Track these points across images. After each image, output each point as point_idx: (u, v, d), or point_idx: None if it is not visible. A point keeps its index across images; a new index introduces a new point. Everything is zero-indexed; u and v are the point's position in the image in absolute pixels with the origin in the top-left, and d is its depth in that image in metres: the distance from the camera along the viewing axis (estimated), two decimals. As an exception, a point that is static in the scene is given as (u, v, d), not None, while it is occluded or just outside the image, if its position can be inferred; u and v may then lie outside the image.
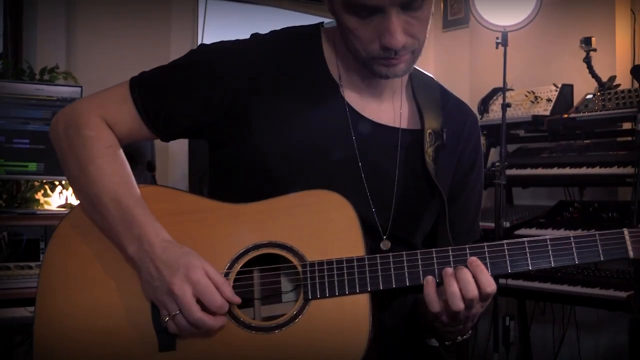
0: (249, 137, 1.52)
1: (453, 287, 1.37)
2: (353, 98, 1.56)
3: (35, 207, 3.84)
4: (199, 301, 1.38)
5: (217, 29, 4.73)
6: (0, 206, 3.66)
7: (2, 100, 3.38)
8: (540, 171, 3.82)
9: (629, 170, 3.38)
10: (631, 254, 1.38)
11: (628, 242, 1.39)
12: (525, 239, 1.40)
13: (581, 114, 3.75)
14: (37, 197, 3.88)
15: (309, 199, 1.46)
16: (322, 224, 1.44)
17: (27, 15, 4.11)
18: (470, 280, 1.37)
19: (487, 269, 1.39)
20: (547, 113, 3.90)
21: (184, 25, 4.52)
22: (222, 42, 1.59)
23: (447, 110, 1.64)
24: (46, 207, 3.91)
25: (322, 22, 1.65)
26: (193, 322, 1.37)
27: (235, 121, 1.53)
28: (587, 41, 3.77)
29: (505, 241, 1.41)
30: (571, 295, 3.55)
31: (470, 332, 1.52)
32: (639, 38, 3.95)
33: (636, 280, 3.19)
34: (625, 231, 1.39)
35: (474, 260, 1.39)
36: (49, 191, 3.88)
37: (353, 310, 1.40)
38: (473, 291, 1.36)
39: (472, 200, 1.68)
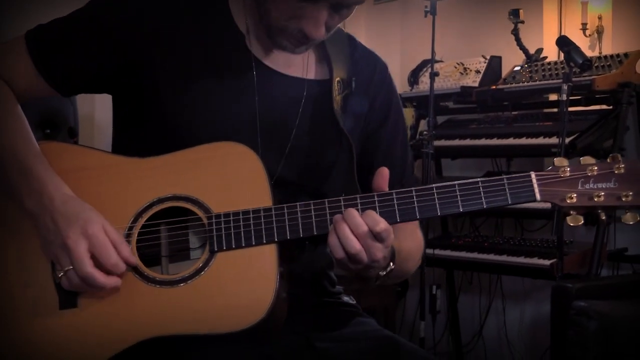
0: (150, 91, 1.49)
1: (345, 231, 1.35)
2: (260, 49, 1.54)
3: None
4: (94, 258, 1.34)
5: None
6: None
7: None
8: (468, 142, 3.85)
9: (554, 140, 3.42)
10: (538, 196, 1.36)
11: (535, 185, 1.37)
12: (434, 185, 1.38)
13: (509, 86, 3.79)
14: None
15: (214, 151, 1.43)
16: (227, 176, 1.41)
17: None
18: (355, 215, 1.35)
19: (396, 217, 1.37)
20: (476, 84, 3.92)
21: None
22: None
23: (355, 59, 1.63)
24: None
25: None
26: (82, 276, 1.33)
27: (135, 75, 1.49)
28: (515, 13, 3.80)
29: (414, 188, 1.39)
30: (497, 264, 3.60)
31: (388, 269, 1.46)
32: (565, 11, 4.00)
33: (559, 248, 3.24)
34: (532, 174, 1.37)
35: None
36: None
37: (260, 261, 1.38)
38: (362, 227, 1.34)
39: (396, 147, 1.67)
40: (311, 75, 1.59)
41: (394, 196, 1.38)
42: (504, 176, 1.38)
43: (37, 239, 1.40)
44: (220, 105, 1.49)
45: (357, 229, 1.34)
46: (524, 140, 3.62)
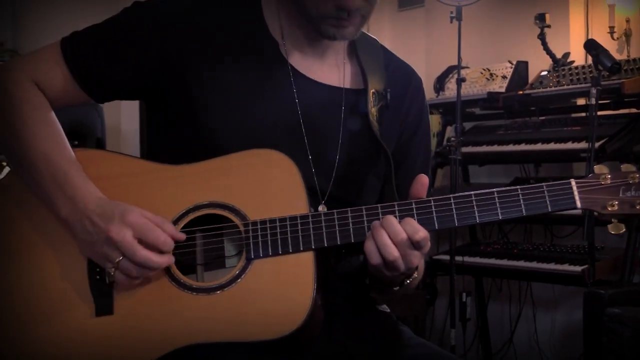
0: (187, 100, 1.48)
1: (383, 237, 1.34)
2: (296, 58, 1.54)
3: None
4: (142, 242, 1.34)
5: None
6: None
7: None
8: (496, 148, 3.82)
9: (583, 145, 3.39)
10: (578, 204, 1.36)
11: (575, 193, 1.37)
12: (472, 192, 1.38)
13: (536, 91, 3.76)
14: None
15: (251, 158, 1.42)
16: (264, 183, 1.41)
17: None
18: (394, 223, 1.34)
19: (434, 223, 1.37)
20: (503, 90, 3.90)
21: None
22: (154, 0, 1.54)
23: (390, 71, 1.62)
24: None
25: None
26: (139, 262, 1.33)
27: (171, 83, 1.49)
28: (541, 17, 3.77)
29: (452, 195, 1.38)
30: (527, 271, 3.56)
31: (415, 276, 1.47)
32: (592, 14, 3.97)
33: (590, 254, 3.20)
34: (573, 182, 1.37)
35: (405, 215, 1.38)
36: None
37: (297, 270, 1.37)
38: (400, 233, 1.34)
39: (417, 163, 1.66)
40: (347, 84, 1.58)
41: (432, 204, 1.38)
42: (544, 184, 1.37)
43: (71, 246, 1.41)
44: (258, 114, 1.49)
45: (396, 237, 1.34)
46: (552, 146, 3.59)
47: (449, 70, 4.14)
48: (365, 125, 1.54)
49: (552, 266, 3.45)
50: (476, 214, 1.37)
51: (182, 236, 1.38)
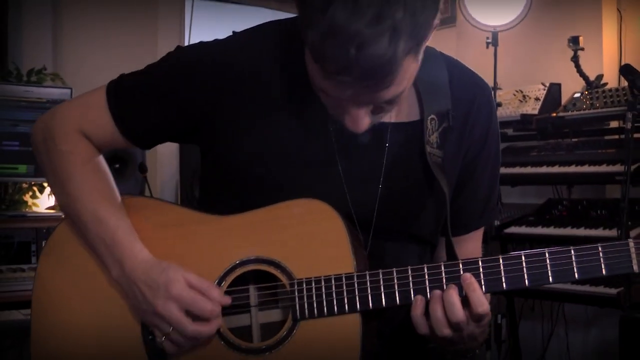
0: (226, 145, 1.46)
1: (437, 312, 1.31)
2: None
3: (24, 209, 3.82)
4: (190, 314, 1.35)
5: (204, 28, 4.72)
6: (-11, 209, 3.64)
7: (-9, 103, 3.36)
8: (529, 170, 3.84)
9: (617, 168, 3.41)
10: (636, 268, 1.29)
11: (633, 255, 1.29)
12: (522, 252, 1.33)
13: (569, 113, 3.78)
14: (25, 198, 3.86)
15: (296, 209, 1.40)
16: (309, 237, 1.39)
17: (12, 14, 4.07)
18: (455, 302, 1.30)
19: (482, 287, 1.33)
20: (536, 112, 3.92)
21: (171, 23, 4.52)
22: (200, 45, 1.50)
23: (454, 87, 1.50)
24: (34, 209, 3.89)
25: None
26: (189, 337, 1.35)
27: (211, 130, 1.47)
28: (574, 40, 3.80)
29: (501, 256, 1.33)
30: (561, 293, 3.57)
31: (476, 350, 1.45)
32: (625, 37, 3.99)
33: (626, 277, 3.21)
34: (631, 242, 1.30)
35: (467, 277, 1.32)
36: (37, 193, 3.85)
37: (343, 331, 1.36)
38: (458, 315, 1.30)
39: (483, 182, 1.57)
40: (398, 117, 1.48)
41: (501, 262, 1.33)
42: (599, 245, 1.30)
43: (126, 300, 1.42)
44: (300, 156, 1.45)
45: (452, 317, 1.30)
46: (586, 168, 3.60)
47: (482, 92, 4.16)
48: (417, 158, 1.47)
49: (586, 288, 3.43)
50: (526, 277, 1.32)
51: (228, 300, 1.38)
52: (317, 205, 1.40)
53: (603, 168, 3.54)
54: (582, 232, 3.46)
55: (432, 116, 1.47)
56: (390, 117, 1.46)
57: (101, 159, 1.51)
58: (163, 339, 1.37)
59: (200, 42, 1.51)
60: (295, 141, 1.45)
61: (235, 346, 1.39)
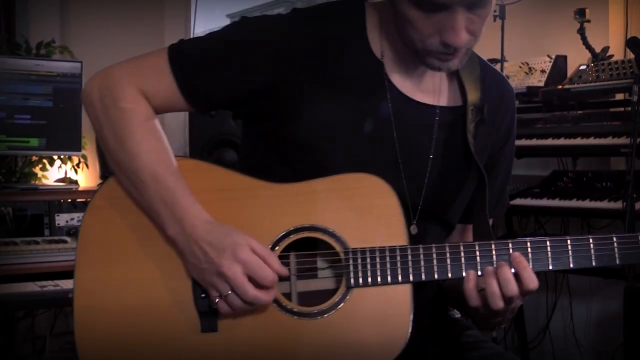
0: (288, 114, 1.51)
1: (493, 287, 1.38)
2: (395, 75, 1.55)
3: (34, 182, 3.85)
4: (251, 279, 1.38)
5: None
6: (0, 181, 3.67)
7: (2, 77, 3.37)
8: (534, 142, 3.86)
9: (623, 140, 3.42)
10: None
11: None
12: (567, 237, 1.43)
13: (575, 85, 3.79)
14: (35, 171, 3.89)
15: (352, 182, 1.44)
16: (364, 210, 1.43)
17: (19, -12, 4.08)
18: (510, 279, 1.38)
19: (529, 265, 1.40)
20: (542, 84, 3.93)
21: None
22: (264, 18, 1.57)
23: (487, 84, 1.62)
24: (44, 181, 3.92)
25: None
26: (249, 301, 1.37)
27: (273, 100, 1.51)
28: (581, 12, 3.79)
29: (547, 238, 1.42)
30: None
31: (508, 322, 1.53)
32: (631, 9, 3.99)
33: (630, 248, 3.24)
34: None
35: (517, 256, 1.40)
36: (47, 165, 3.89)
37: (395, 300, 1.41)
38: (513, 290, 1.38)
39: (501, 174, 1.69)
40: (443, 101, 1.59)
41: (548, 245, 1.43)
42: (614, 235, 1.42)
43: (177, 260, 1.44)
44: (357, 132, 1.51)
45: (507, 292, 1.38)
46: (592, 140, 3.62)
47: (488, 64, 4.17)
48: (461, 144, 1.56)
49: (591, 259, 3.48)
50: (570, 259, 1.42)
51: (286, 272, 1.41)
52: (373, 181, 1.45)
53: (609, 140, 3.55)
54: (587, 204, 3.49)
55: (472, 107, 1.57)
56: (437, 100, 1.57)
57: (158, 123, 1.52)
58: (217, 299, 1.39)
59: (264, 15, 1.58)
60: (355, 116, 1.51)
61: (287, 309, 1.42)
